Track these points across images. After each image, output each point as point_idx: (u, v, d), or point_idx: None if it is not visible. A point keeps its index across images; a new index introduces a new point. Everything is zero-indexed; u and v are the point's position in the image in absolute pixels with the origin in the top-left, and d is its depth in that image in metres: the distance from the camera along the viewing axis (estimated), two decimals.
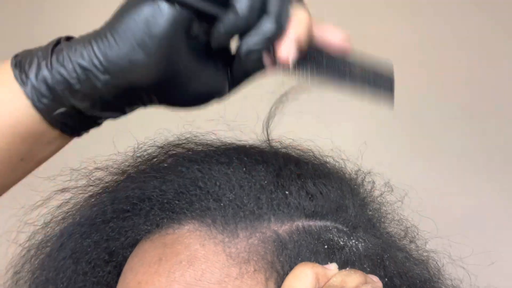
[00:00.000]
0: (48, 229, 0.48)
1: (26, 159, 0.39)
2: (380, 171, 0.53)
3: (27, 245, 0.48)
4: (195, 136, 0.50)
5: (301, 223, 0.42)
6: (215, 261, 0.39)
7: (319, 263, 0.40)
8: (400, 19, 0.95)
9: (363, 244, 0.43)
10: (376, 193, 0.52)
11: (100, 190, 0.48)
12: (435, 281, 0.49)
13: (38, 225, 0.50)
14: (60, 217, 0.48)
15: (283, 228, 0.41)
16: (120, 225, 0.44)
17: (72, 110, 0.37)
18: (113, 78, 0.36)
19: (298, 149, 0.50)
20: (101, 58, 0.36)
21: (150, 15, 0.35)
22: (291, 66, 0.38)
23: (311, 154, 0.50)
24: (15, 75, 0.37)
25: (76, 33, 0.39)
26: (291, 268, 0.39)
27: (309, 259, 0.40)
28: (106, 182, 0.49)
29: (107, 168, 0.51)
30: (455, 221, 0.82)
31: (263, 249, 0.40)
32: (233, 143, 0.48)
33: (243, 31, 0.37)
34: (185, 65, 0.37)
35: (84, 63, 0.36)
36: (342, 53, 0.39)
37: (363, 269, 0.42)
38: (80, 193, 0.50)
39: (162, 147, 0.49)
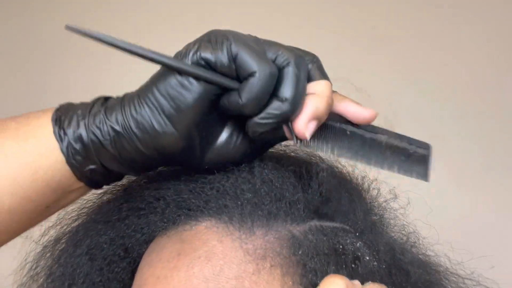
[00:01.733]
0: (63, 226, 0.49)
1: (51, 207, 0.41)
2: (384, 177, 0.54)
3: (41, 241, 0.49)
4: None
5: (315, 224, 0.43)
6: (233, 256, 0.40)
7: (332, 262, 0.41)
8: (407, 20, 0.96)
9: (371, 246, 0.45)
10: (381, 200, 0.53)
11: (113, 189, 0.49)
12: (438, 285, 0.50)
13: (51, 221, 0.50)
14: (74, 214, 0.49)
15: (298, 228, 0.42)
16: (135, 222, 0.45)
17: (100, 167, 0.40)
18: (142, 143, 0.39)
19: (305, 153, 0.52)
20: (132, 124, 0.39)
21: (178, 91, 0.38)
22: (309, 140, 0.39)
23: (318, 157, 0.52)
24: (54, 131, 0.39)
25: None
26: (306, 265, 0.40)
27: (323, 258, 0.41)
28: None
29: None
30: (454, 225, 0.83)
31: (279, 246, 0.41)
32: None
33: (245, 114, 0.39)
34: (206, 133, 0.40)
35: (118, 127, 0.39)
36: (365, 123, 0.40)
37: (374, 271, 0.43)
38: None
39: None
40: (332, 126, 0.40)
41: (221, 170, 0.44)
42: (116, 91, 0.42)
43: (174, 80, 0.38)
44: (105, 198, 0.49)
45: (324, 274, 0.40)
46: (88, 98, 0.43)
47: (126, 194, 0.47)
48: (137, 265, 0.44)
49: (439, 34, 0.95)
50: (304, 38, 0.97)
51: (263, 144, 0.44)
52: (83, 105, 0.41)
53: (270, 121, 0.38)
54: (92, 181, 0.41)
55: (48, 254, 0.49)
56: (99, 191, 0.48)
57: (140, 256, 0.45)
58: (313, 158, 0.50)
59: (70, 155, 0.39)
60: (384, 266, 0.45)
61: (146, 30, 1.01)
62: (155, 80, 0.39)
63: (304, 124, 0.39)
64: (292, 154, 0.51)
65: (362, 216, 0.47)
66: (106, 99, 0.41)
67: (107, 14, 1.06)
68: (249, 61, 0.37)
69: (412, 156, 0.42)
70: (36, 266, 0.48)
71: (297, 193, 0.44)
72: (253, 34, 0.40)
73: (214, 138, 0.41)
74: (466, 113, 0.94)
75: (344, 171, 0.52)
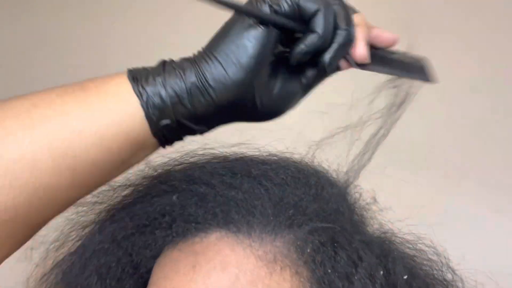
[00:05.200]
0: (64, 248, 0.50)
1: (126, 162, 0.43)
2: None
3: (43, 263, 0.49)
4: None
5: (313, 225, 0.46)
6: (246, 263, 0.42)
7: (332, 259, 0.44)
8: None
9: (363, 243, 0.49)
10: (362, 202, 0.57)
11: (112, 208, 0.51)
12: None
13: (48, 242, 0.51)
14: (73, 234, 0.50)
15: (300, 231, 0.45)
16: (142, 239, 0.47)
17: (174, 123, 0.42)
18: (217, 95, 0.42)
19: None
20: (208, 77, 0.41)
21: (248, 37, 0.42)
22: (368, 62, 0.45)
23: (304, 163, 0.55)
24: (133, 88, 0.41)
25: None
26: (314, 262, 0.43)
27: (329, 251, 0.44)
28: (115, 200, 0.52)
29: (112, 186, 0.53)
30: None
31: (286, 249, 0.44)
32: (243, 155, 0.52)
33: (321, 49, 0.43)
34: (268, 79, 0.44)
35: (195, 80, 0.41)
36: (391, 46, 0.47)
37: (371, 263, 0.46)
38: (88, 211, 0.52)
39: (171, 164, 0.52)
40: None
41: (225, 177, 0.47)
42: None
43: (244, 29, 0.42)
44: (103, 216, 0.50)
45: (332, 265, 0.43)
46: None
47: (129, 212, 0.48)
48: (146, 280, 0.46)
49: (442, 31, 0.96)
50: None
51: (309, 85, 0.47)
52: (152, 67, 0.43)
53: (341, 51, 0.44)
54: (164, 137, 0.43)
55: (53, 276, 0.49)
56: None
57: (148, 271, 0.46)
58: (303, 166, 0.53)
59: (150, 111, 0.41)
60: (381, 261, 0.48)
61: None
62: (224, 33, 0.43)
63: (364, 49, 0.44)
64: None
65: (348, 217, 0.51)
66: (172, 61, 0.44)
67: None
68: (310, 2, 0.42)
69: (418, 67, 0.50)
70: None
71: (296, 200, 0.47)
72: None
73: (273, 86, 0.45)
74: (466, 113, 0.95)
75: (329, 176, 0.56)
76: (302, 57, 0.43)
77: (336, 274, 0.44)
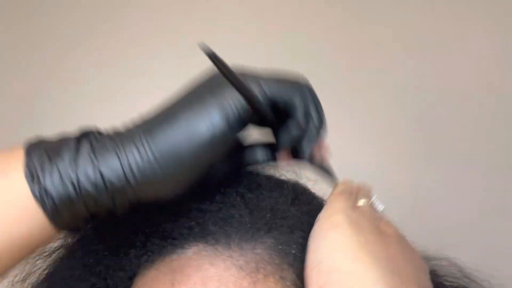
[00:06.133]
0: (29, 279, 0.46)
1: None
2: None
3: None
4: None
5: (293, 225, 0.45)
6: (227, 276, 0.41)
7: None
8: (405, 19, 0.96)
9: None
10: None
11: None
12: None
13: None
14: (39, 262, 0.47)
15: (277, 232, 0.44)
16: (116, 261, 0.44)
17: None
18: (142, 194, 0.38)
19: None
20: (137, 175, 0.36)
21: (203, 140, 0.37)
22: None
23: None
24: (32, 191, 0.36)
25: None
26: (302, 261, 0.42)
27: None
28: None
29: None
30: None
31: (267, 255, 0.43)
32: None
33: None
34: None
35: (114, 179, 0.36)
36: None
37: None
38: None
39: None
40: None
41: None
42: None
43: (203, 126, 0.39)
44: (69, 239, 0.48)
45: None
46: None
47: (99, 234, 0.46)
48: None
49: (443, 33, 0.95)
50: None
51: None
52: (60, 146, 0.37)
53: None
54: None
55: None
56: None
57: None
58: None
59: (49, 210, 0.37)
60: None
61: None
62: (171, 122, 0.38)
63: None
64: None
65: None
66: (94, 132, 0.39)
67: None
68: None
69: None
70: None
71: (273, 203, 0.46)
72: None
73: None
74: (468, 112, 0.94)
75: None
76: (289, 145, 0.43)
77: None
